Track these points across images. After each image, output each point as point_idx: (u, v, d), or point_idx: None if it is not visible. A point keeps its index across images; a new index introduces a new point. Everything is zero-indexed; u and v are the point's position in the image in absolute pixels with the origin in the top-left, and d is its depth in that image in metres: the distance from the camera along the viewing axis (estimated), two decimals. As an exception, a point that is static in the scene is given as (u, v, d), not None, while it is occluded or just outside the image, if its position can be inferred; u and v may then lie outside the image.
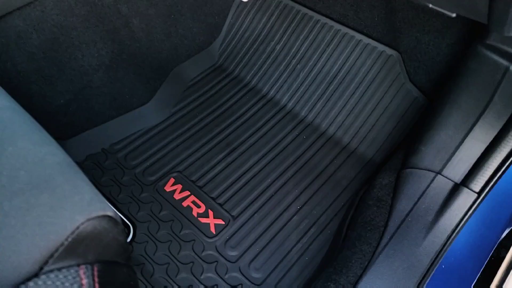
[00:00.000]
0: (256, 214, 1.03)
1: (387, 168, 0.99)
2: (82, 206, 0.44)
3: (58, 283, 0.40)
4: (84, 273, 0.43)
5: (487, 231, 0.85)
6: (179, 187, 1.07)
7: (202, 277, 0.92)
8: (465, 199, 0.83)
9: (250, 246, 0.98)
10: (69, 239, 0.42)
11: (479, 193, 0.84)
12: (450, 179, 0.88)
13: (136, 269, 0.91)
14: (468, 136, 0.88)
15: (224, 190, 1.08)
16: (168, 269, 0.92)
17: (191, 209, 1.03)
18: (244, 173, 1.12)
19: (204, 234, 0.99)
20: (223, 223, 1.01)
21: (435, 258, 0.79)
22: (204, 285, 0.90)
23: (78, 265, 0.43)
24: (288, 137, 1.20)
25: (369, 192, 0.95)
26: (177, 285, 0.90)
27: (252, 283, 0.92)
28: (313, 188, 1.09)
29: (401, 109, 1.18)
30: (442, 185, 0.87)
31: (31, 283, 0.39)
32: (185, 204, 1.04)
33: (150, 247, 0.95)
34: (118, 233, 0.47)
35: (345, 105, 1.23)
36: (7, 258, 0.39)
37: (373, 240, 0.83)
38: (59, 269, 0.41)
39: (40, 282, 0.39)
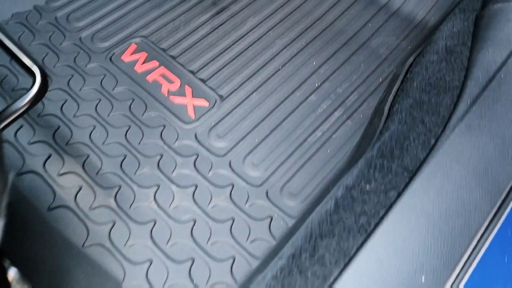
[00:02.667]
0: (254, 94, 0.71)
1: (458, 11, 0.63)
2: None
3: None
4: None
5: None
6: (142, 55, 0.74)
7: (173, 174, 0.62)
8: None
9: (246, 135, 0.67)
10: None
11: None
12: None
13: (74, 161, 0.61)
14: None
15: (208, 62, 0.74)
16: (124, 163, 0.62)
17: (160, 85, 0.71)
18: (238, 39, 0.77)
19: (179, 119, 0.67)
20: (207, 104, 0.69)
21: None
22: (176, 184, 0.61)
23: None
24: (301, -6, 0.84)
25: (430, 46, 0.61)
26: (137, 184, 0.60)
27: (248, 183, 0.62)
28: (339, 60, 0.76)
29: None
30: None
31: None
32: (150, 78, 0.71)
33: (98, 134, 0.64)
34: None
35: None
36: None
37: (442, 107, 0.51)
38: None
39: None
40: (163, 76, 0.72)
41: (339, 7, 0.82)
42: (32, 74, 0.45)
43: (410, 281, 0.39)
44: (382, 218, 0.43)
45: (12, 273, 0.37)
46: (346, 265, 0.41)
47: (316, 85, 0.72)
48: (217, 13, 0.81)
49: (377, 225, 0.42)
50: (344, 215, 0.44)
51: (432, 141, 0.48)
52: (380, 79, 0.73)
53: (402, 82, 0.67)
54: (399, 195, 0.44)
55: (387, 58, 0.76)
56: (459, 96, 0.51)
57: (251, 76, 0.73)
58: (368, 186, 0.46)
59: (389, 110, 0.63)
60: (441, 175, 0.44)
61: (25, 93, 0.43)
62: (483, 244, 0.42)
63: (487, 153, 0.45)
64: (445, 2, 0.79)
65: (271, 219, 0.58)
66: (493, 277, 0.41)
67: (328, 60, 0.75)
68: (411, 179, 0.45)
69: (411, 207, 0.42)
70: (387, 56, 0.76)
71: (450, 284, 0.39)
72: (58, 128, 0.64)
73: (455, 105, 0.50)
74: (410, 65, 0.71)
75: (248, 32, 0.78)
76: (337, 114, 0.69)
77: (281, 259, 0.43)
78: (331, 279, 0.40)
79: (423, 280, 0.39)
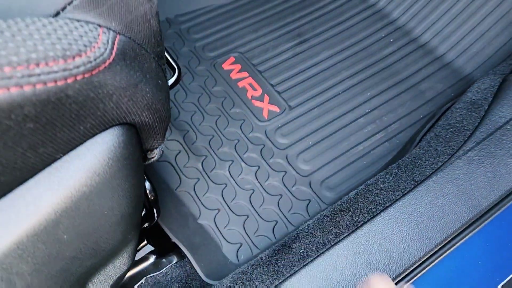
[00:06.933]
0: (316, 109, 0.91)
1: (491, 73, 0.78)
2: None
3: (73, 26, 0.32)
4: (104, 33, 0.35)
5: None
6: (237, 67, 0.98)
7: (245, 155, 0.84)
8: None
9: (303, 138, 0.87)
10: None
11: None
12: None
13: (178, 133, 0.86)
14: None
15: (285, 79, 0.96)
16: (212, 140, 0.85)
17: (246, 90, 0.94)
18: (312, 66, 0.98)
19: (256, 117, 0.90)
20: (278, 110, 0.91)
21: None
22: (245, 163, 0.83)
23: (99, 26, 0.35)
24: (371, 37, 1.03)
25: (461, 96, 0.77)
26: (218, 157, 0.83)
27: (297, 173, 0.81)
28: (389, 94, 0.93)
29: (525, 17, 0.93)
30: None
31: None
32: (241, 84, 0.95)
33: (197, 117, 0.89)
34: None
35: (450, 8, 1.00)
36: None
37: (454, 142, 0.67)
38: (77, 20, 0.33)
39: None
40: (250, 84, 0.95)
41: (399, 53, 1.00)
42: (173, 69, 0.69)
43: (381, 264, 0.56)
44: (386, 208, 0.60)
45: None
46: (352, 231, 0.58)
47: (366, 111, 0.91)
48: (300, 43, 1.03)
49: (381, 211, 0.60)
50: (360, 199, 0.62)
51: (439, 164, 0.64)
52: (421, 116, 0.89)
53: (436, 120, 0.82)
54: (403, 195, 0.61)
55: (431, 100, 0.91)
56: (469, 137, 0.66)
57: (317, 95, 0.93)
58: (382, 185, 0.63)
59: (419, 140, 0.79)
60: (438, 189, 0.60)
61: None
62: (450, 248, 0.57)
63: (478, 182, 0.60)
64: (490, 64, 0.93)
65: (309, 202, 0.77)
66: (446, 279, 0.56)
67: (380, 93, 0.93)
68: (415, 187, 0.62)
69: (408, 206, 0.59)
70: (432, 98, 0.92)
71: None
72: (178, 116, 0.90)
73: (464, 142, 0.66)
74: (447, 109, 0.86)
75: (321, 62, 0.99)
76: (378, 136, 0.87)
77: (308, 220, 0.62)
78: (340, 238, 0.58)
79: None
